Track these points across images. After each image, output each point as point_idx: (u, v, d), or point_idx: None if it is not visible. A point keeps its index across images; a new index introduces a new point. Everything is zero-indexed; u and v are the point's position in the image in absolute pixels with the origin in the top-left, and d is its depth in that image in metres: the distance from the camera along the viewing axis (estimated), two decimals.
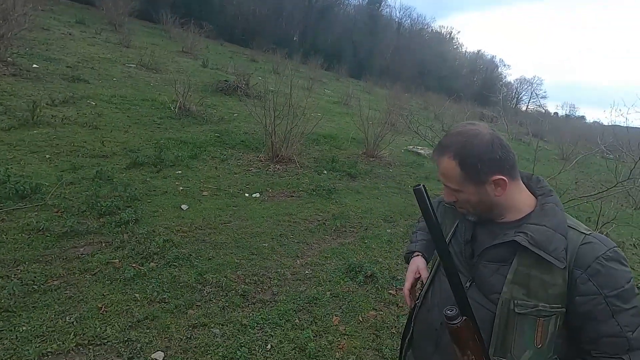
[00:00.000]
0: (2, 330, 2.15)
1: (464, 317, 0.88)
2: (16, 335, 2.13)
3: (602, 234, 5.32)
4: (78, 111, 6.48)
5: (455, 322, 0.87)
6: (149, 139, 6.04)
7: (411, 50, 33.82)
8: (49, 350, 2.08)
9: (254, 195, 4.89)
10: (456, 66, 40.97)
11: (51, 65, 8.65)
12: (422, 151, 9.38)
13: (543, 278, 0.87)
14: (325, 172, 6.35)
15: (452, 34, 45.31)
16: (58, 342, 2.13)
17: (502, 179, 0.91)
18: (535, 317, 0.87)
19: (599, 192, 4.69)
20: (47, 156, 4.70)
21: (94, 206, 3.65)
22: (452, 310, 0.88)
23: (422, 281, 1.14)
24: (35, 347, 2.08)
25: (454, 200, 0.98)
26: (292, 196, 5.11)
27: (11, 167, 4.05)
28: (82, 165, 4.63)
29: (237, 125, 7.95)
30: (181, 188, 4.62)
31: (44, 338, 2.15)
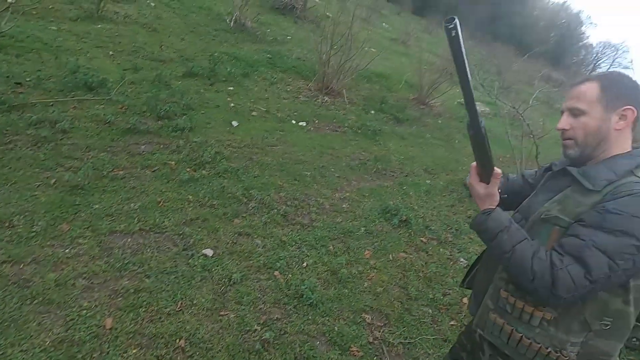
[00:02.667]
0: (80, 205, 2.45)
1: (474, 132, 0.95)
2: (91, 211, 2.43)
3: None
4: (139, 11, 6.46)
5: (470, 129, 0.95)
6: (204, 50, 6.03)
7: None
8: (117, 229, 2.37)
9: (300, 123, 4.91)
10: (534, 17, 36.24)
11: None
12: (477, 107, 8.83)
13: (579, 199, 0.95)
14: (372, 112, 6.19)
15: None
16: (125, 224, 2.42)
17: (632, 109, 0.96)
18: (552, 224, 0.97)
19: None
20: (111, 53, 4.84)
21: (154, 108, 3.82)
22: (469, 123, 0.95)
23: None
24: (107, 224, 2.37)
25: (568, 127, 1.01)
26: (337, 130, 5.10)
27: (80, 59, 4.24)
28: (142, 66, 4.75)
29: (290, 48, 7.70)
30: (232, 104, 4.70)
31: (114, 218, 2.44)
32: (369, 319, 2.25)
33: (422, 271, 2.81)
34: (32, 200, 2.39)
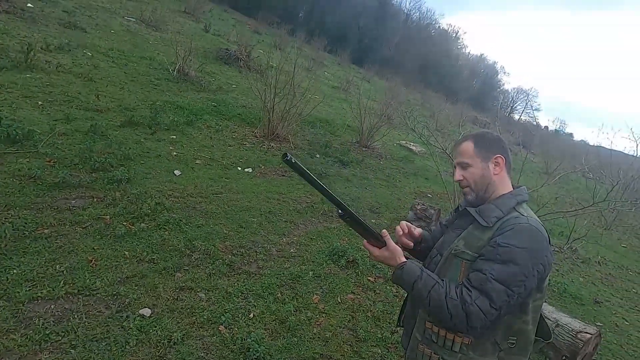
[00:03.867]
0: None
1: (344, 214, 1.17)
2: (7, 277, 2.18)
3: (572, 248, 5.61)
4: (73, 60, 6.30)
5: (343, 217, 1.18)
6: (144, 99, 5.95)
7: (416, 43, 33.52)
8: (39, 295, 2.13)
9: (246, 169, 4.93)
10: (458, 66, 40.93)
11: (47, 7, 8.29)
12: (414, 147, 9.53)
13: (478, 235, 1.13)
14: (318, 155, 6.42)
15: (459, 34, 45.11)
16: (48, 288, 2.19)
17: (501, 157, 1.20)
18: (460, 259, 1.13)
19: (575, 210, 4.94)
20: (40, 103, 4.60)
21: (87, 160, 3.64)
22: (339, 212, 1.18)
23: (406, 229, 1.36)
24: (26, 290, 2.13)
25: (461, 178, 1.22)
26: (283, 175, 5.18)
27: (2, 110, 3.97)
28: (76, 117, 4.55)
29: (234, 97, 7.88)
30: (175, 153, 4.62)
31: (35, 283, 2.20)
32: None
33: (371, 311, 2.85)
34: None
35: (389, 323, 2.75)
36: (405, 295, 1.42)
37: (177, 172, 4.16)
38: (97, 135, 4.27)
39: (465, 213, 1.23)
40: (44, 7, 8.16)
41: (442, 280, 1.12)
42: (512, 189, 1.21)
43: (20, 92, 4.66)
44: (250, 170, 4.94)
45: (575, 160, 11.86)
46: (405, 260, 1.17)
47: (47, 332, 1.92)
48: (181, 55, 7.62)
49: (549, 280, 4.41)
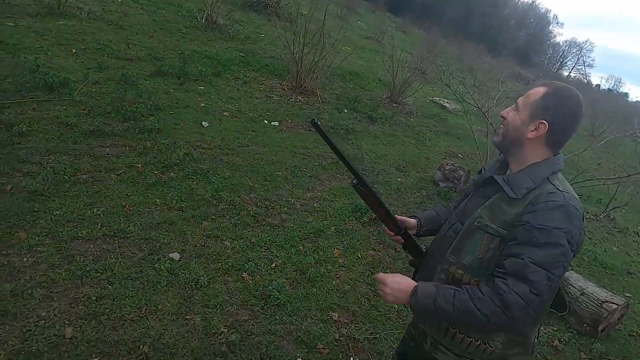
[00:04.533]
0: (39, 212, 2.37)
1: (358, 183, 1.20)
2: (51, 217, 2.36)
3: (609, 217, 5.34)
4: (103, 7, 6.26)
5: (357, 186, 1.21)
6: (173, 48, 5.91)
7: None
8: (79, 235, 2.31)
9: (273, 123, 4.90)
10: (505, 16, 37.37)
11: None
12: (447, 104, 9.06)
13: (504, 208, 1.04)
14: (346, 111, 6.25)
15: None
16: (87, 230, 2.36)
17: (545, 123, 1.02)
18: (483, 232, 1.06)
19: (619, 177, 4.62)
20: (74, 51, 4.67)
21: (119, 109, 3.73)
22: (354, 181, 1.21)
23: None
24: (68, 230, 2.31)
25: (505, 116, 1.11)
26: (310, 130, 5.12)
27: (40, 57, 4.07)
28: (108, 65, 4.61)
29: (263, 47, 7.65)
30: (203, 105, 4.64)
31: (75, 224, 2.38)
32: (336, 316, 2.30)
33: (390, 268, 2.89)
34: None
35: None
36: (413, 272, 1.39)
37: (205, 124, 4.20)
38: (128, 84, 4.33)
39: (490, 181, 1.12)
40: None
41: (460, 287, 1.04)
42: (547, 157, 1.07)
43: (55, 40, 4.74)
44: (276, 123, 4.91)
45: (627, 123, 10.90)
46: (415, 283, 1.09)
47: (88, 269, 2.10)
48: (209, 2, 7.37)
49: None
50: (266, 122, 4.86)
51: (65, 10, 5.44)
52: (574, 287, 2.94)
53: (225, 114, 4.65)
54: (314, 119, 1.09)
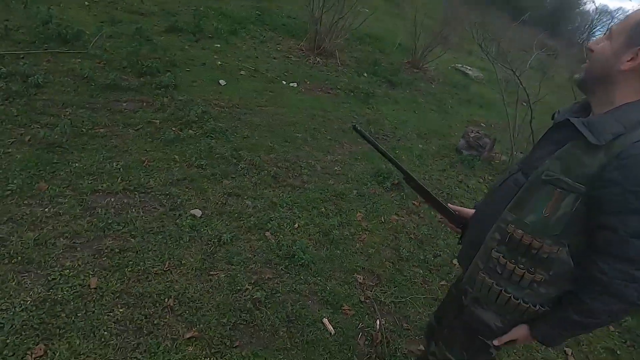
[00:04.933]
0: (58, 163, 2.31)
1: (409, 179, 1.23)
2: (70, 169, 2.30)
3: None
4: None
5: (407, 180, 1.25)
6: (187, 3, 5.65)
7: None
8: (99, 188, 2.26)
9: (291, 84, 4.72)
10: None
11: None
12: (470, 72, 8.65)
13: (582, 158, 0.86)
14: (365, 74, 5.99)
15: None
16: (107, 183, 2.30)
17: None
18: (554, 186, 0.88)
19: None
20: (86, 3, 4.49)
21: (135, 64, 3.59)
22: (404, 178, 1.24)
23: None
24: (88, 183, 2.25)
25: (592, 49, 0.92)
26: (329, 92, 4.93)
27: (52, 9, 3.88)
28: (121, 19, 4.43)
29: (279, 5, 7.29)
30: (219, 62, 4.46)
31: (95, 177, 2.32)
32: (360, 279, 2.24)
33: (414, 233, 2.81)
34: (6, 158, 2.24)
35: (432, 247, 2.71)
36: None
37: (222, 82, 4.05)
38: (143, 39, 4.15)
39: (565, 124, 0.92)
40: None
41: (564, 298, 0.96)
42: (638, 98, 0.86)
43: None
44: (295, 85, 4.72)
45: None
46: (530, 332, 1.02)
47: (109, 222, 2.05)
48: None
49: None
50: (284, 82, 4.68)
51: None
52: None
53: (242, 72, 4.47)
54: (354, 125, 1.16)
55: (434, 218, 3.09)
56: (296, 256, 2.19)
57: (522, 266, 0.96)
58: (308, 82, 4.93)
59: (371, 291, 2.18)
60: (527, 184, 0.95)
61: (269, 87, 4.38)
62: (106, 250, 1.91)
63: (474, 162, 4.26)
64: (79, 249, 1.88)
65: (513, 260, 0.97)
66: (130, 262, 1.89)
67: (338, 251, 2.39)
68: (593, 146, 0.84)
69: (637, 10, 0.87)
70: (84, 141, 2.56)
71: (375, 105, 5.08)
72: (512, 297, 0.99)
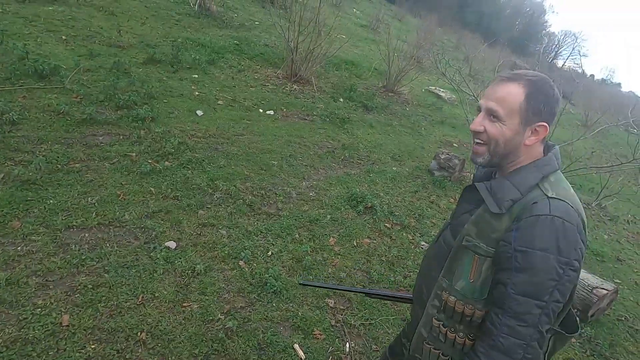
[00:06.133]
0: (32, 201, 2.35)
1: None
2: (44, 206, 2.34)
3: (601, 205, 5.41)
4: None
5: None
6: (166, 35, 5.81)
7: None
8: (74, 223, 2.30)
9: (268, 112, 4.87)
10: (500, 4, 37.13)
11: None
12: (443, 94, 9.04)
13: (491, 222, 0.92)
14: (341, 99, 6.22)
15: None
16: (82, 218, 2.35)
17: (545, 126, 0.92)
18: (473, 252, 0.93)
19: (611, 166, 4.67)
20: (64, 37, 4.57)
21: (112, 97, 3.67)
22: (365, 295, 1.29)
23: None
24: (62, 219, 2.29)
25: (481, 130, 0.94)
26: (305, 119, 5.10)
27: (28, 44, 3.98)
28: (99, 53, 4.53)
29: (257, 34, 7.54)
30: (197, 93, 4.59)
31: (69, 213, 2.36)
32: (332, 303, 2.32)
33: (385, 255, 2.92)
34: None
35: (403, 268, 2.82)
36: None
37: (199, 112, 4.16)
38: (121, 72, 4.25)
39: (474, 188, 0.99)
40: None
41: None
42: (539, 157, 0.94)
43: (44, 26, 4.63)
44: (272, 112, 4.88)
45: (620, 113, 10.98)
46: None
47: (83, 258, 2.09)
48: None
49: None
50: (261, 110, 4.83)
51: None
52: None
53: (219, 102, 4.60)
54: (300, 282, 1.25)
55: (405, 239, 3.22)
56: (269, 284, 2.27)
57: (461, 334, 0.98)
58: (285, 110, 5.10)
59: (342, 315, 2.27)
60: (454, 249, 0.99)
61: (246, 116, 4.52)
62: (79, 287, 1.94)
63: (445, 182, 4.45)
64: (51, 286, 1.91)
65: (452, 329, 0.99)
66: (104, 298, 1.93)
67: (310, 277, 2.47)
68: (496, 213, 0.91)
69: (502, 86, 0.92)
70: (59, 177, 2.61)
71: (351, 129, 5.27)
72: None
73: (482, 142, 0.95)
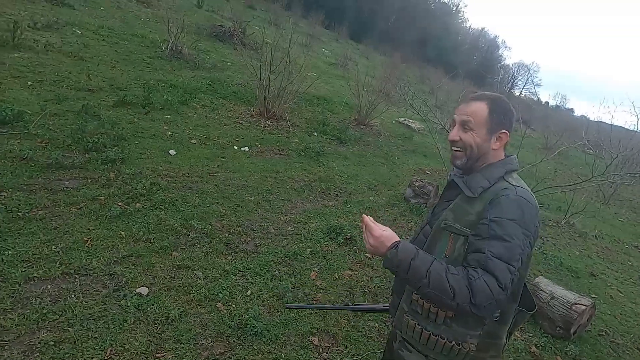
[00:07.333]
0: None
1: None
2: (2, 258, 2.17)
3: (569, 223, 5.62)
4: (62, 38, 6.12)
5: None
6: (137, 78, 5.83)
7: (415, 17, 32.68)
8: (35, 275, 2.14)
9: (242, 148, 4.88)
10: (458, 41, 40.06)
11: None
12: (412, 124, 9.42)
13: (466, 207, 1.11)
14: (315, 134, 6.34)
15: (459, 7, 43.89)
16: (44, 269, 2.19)
17: (506, 133, 1.15)
18: (448, 232, 1.11)
19: (574, 184, 4.92)
20: (30, 83, 4.49)
21: (80, 141, 3.58)
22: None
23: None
24: (22, 271, 2.13)
25: (457, 139, 1.15)
26: (280, 154, 5.13)
27: None
28: (67, 97, 4.46)
29: (230, 75, 7.71)
30: (169, 133, 4.55)
31: (30, 264, 2.20)
32: (316, 341, 2.23)
33: (368, 286, 2.87)
34: None
35: (386, 298, 2.77)
36: None
37: (172, 152, 4.11)
38: (90, 115, 4.19)
39: (453, 184, 1.20)
40: None
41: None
42: (502, 158, 1.17)
43: (9, 72, 4.55)
44: (246, 149, 4.89)
45: (576, 135, 11.76)
46: (398, 239, 1.09)
47: (45, 312, 1.93)
48: (173, 32, 7.40)
49: (546, 253, 4.43)
50: (236, 147, 4.83)
51: (20, 43, 5.27)
52: (544, 292, 3.03)
53: (193, 141, 4.58)
54: (286, 305, 1.32)
55: (386, 270, 3.19)
56: (249, 325, 2.16)
57: (435, 304, 1.09)
58: (260, 146, 5.12)
59: (327, 353, 2.17)
60: (432, 232, 1.17)
61: (220, 154, 4.50)
62: (39, 345, 1.77)
63: (421, 209, 4.53)
64: (7, 347, 1.73)
65: (428, 300, 1.10)
66: (67, 355, 1.76)
67: (292, 314, 2.38)
68: (470, 198, 1.11)
69: (470, 103, 1.16)
70: (20, 226, 2.45)
71: (326, 162, 5.33)
72: (431, 335, 1.12)
73: (459, 149, 1.16)
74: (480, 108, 1.13)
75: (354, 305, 1.60)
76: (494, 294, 0.96)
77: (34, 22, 6.13)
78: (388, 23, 31.04)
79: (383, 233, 1.10)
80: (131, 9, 9.40)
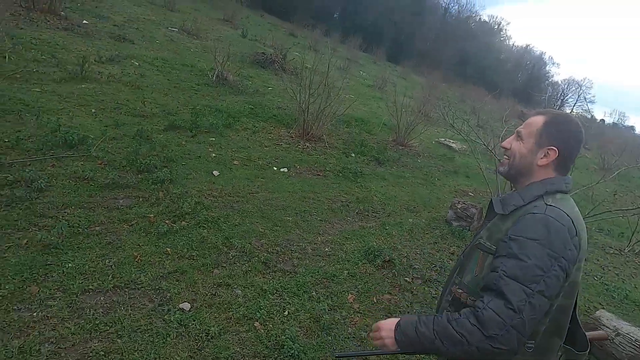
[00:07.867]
0: (52, 265, 2.38)
1: None
2: (63, 270, 2.36)
3: (634, 251, 5.11)
4: (122, 70, 6.73)
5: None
6: (186, 104, 6.23)
7: (455, 38, 32.37)
8: (90, 287, 2.29)
9: (282, 169, 5.00)
10: (501, 59, 38.97)
11: (100, 22, 8.94)
12: (453, 145, 9.17)
13: (499, 225, 1.07)
14: (353, 155, 6.37)
15: (501, 25, 42.96)
16: (98, 282, 2.34)
17: (554, 150, 1.06)
18: (479, 250, 1.08)
19: (638, 208, 4.49)
20: (93, 110, 4.96)
21: (134, 162, 3.86)
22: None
23: None
24: (79, 283, 2.29)
25: (508, 147, 1.14)
26: (318, 175, 5.19)
27: (61, 118, 4.32)
28: (124, 122, 4.86)
29: (270, 99, 8.02)
30: (214, 155, 4.78)
31: (87, 276, 2.37)
32: None
33: (408, 312, 2.76)
34: (1, 263, 2.31)
35: None
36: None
37: (215, 173, 4.30)
38: (143, 139, 4.52)
39: (491, 203, 1.18)
40: (97, 23, 8.81)
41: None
42: (545, 179, 1.09)
43: (77, 102, 5.06)
44: (285, 170, 5.00)
45: (638, 155, 10.80)
46: (399, 318, 1.04)
47: (97, 322, 2.05)
48: (220, 60, 7.89)
49: (607, 284, 4.03)
50: (275, 168, 4.96)
51: (87, 75, 5.87)
52: (607, 327, 2.74)
53: (235, 162, 4.77)
54: (336, 355, 1.19)
55: (427, 294, 3.07)
56: (286, 346, 2.15)
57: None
58: (298, 166, 5.22)
59: None
60: (468, 249, 1.17)
61: (260, 174, 4.64)
62: (91, 354, 1.88)
63: (464, 233, 4.33)
64: (63, 354, 1.85)
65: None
66: None
67: (329, 337, 2.34)
68: (504, 216, 1.08)
69: (533, 116, 1.14)
70: (79, 240, 2.66)
71: (364, 183, 5.31)
72: None
73: (507, 157, 1.15)
74: (537, 120, 1.11)
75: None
76: (504, 318, 0.87)
77: (100, 57, 6.82)
78: (426, 44, 31.00)
79: (384, 321, 1.07)
80: (182, 42, 10.18)
